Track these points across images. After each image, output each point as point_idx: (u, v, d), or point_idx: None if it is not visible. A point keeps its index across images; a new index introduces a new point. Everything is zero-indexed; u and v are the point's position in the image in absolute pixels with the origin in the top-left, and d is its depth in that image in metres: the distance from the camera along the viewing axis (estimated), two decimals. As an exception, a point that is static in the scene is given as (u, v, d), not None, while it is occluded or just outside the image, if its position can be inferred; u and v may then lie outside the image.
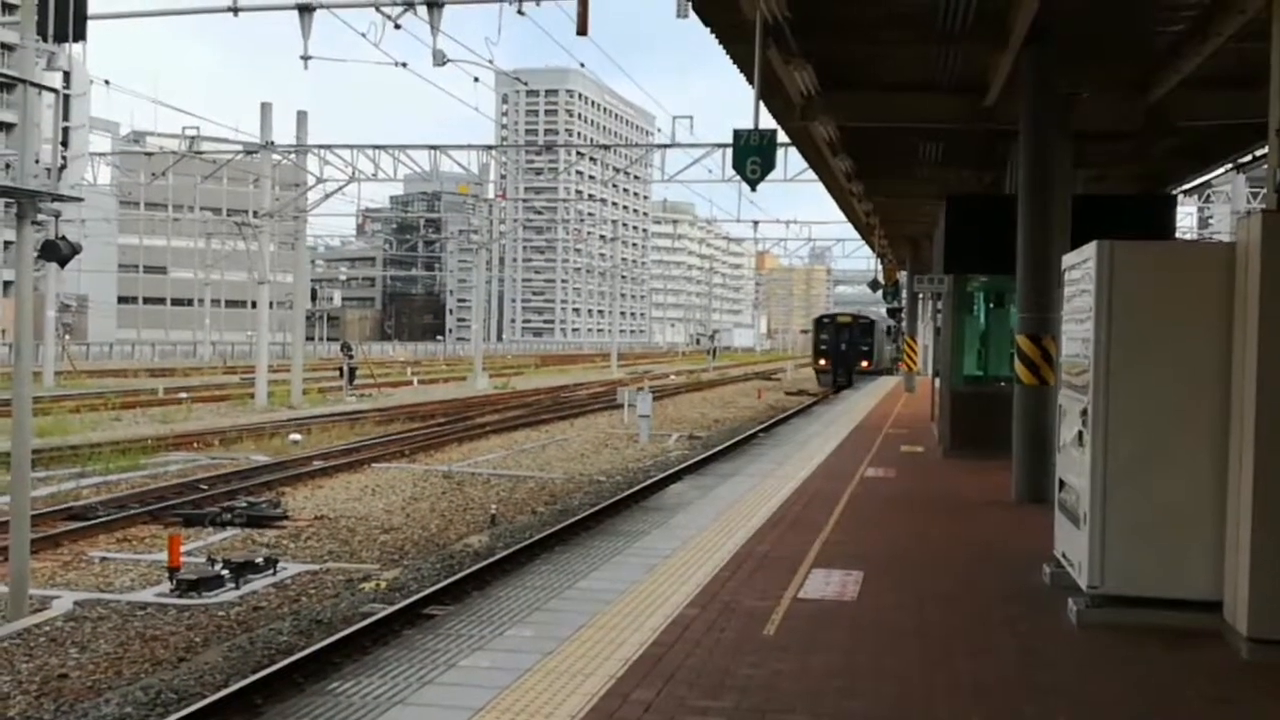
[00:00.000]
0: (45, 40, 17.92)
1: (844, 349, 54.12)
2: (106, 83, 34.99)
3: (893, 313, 52.24)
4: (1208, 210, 56.43)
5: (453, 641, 7.16)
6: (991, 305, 20.05)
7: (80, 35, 18.58)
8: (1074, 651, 7.34)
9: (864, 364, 54.27)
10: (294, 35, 28.76)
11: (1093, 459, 7.63)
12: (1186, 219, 52.90)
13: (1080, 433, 7.91)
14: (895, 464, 17.46)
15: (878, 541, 10.97)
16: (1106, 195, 20.78)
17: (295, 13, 25.78)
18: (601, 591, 8.53)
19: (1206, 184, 30.61)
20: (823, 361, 54.87)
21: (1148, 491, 7.56)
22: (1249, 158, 21.32)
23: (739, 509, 12.64)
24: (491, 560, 14.46)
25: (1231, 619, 7.25)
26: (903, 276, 46.66)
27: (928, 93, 16.47)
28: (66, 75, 15.70)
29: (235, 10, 25.21)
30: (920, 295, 40.88)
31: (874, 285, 54.39)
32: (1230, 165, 22.69)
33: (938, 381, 22.62)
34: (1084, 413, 7.80)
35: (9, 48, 62.86)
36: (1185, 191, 27.70)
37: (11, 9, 65.44)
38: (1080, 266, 8.23)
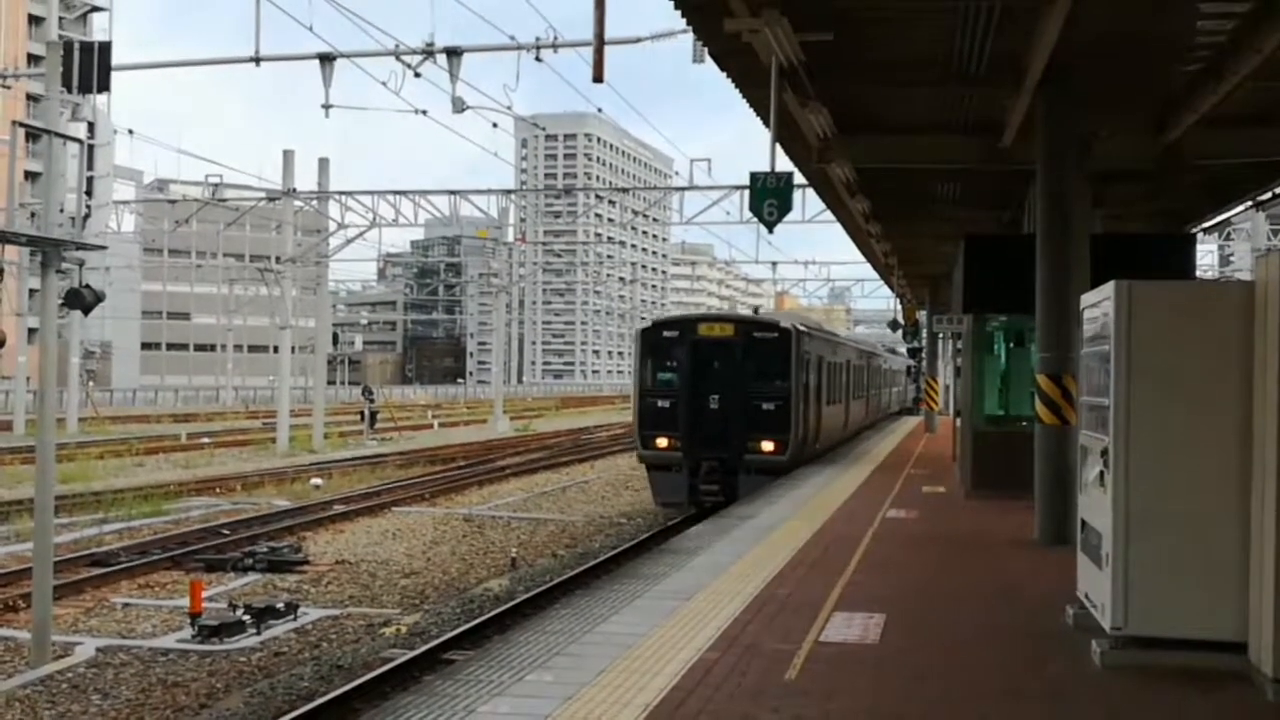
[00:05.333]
0: (70, 91, 18.24)
1: (715, 407, 22.45)
2: (130, 132, 35.60)
3: (913, 352, 50.64)
4: (1228, 248, 56.27)
5: (472, 687, 7.14)
6: (1011, 345, 20.01)
7: (104, 86, 18.89)
8: (1098, 694, 7.27)
9: (765, 444, 22.26)
10: (316, 84, 29.24)
11: (1114, 499, 7.58)
12: (1207, 257, 52.76)
13: (1101, 473, 7.88)
14: (917, 505, 17.37)
15: (900, 584, 10.91)
16: (1125, 235, 20.76)
17: (317, 62, 26.09)
18: (622, 636, 8.50)
19: (1227, 222, 30.53)
20: (663, 440, 22.60)
21: (1170, 532, 7.50)
22: (1269, 195, 21.28)
23: (760, 551, 12.60)
24: (512, 604, 14.44)
25: (1257, 660, 7.17)
26: (922, 316, 46.59)
27: (944, 134, 16.54)
28: (90, 125, 15.88)
29: (258, 60, 25.54)
30: (940, 335, 40.81)
31: (894, 325, 52.59)
32: (1250, 203, 22.64)
33: (959, 421, 22.54)
34: (1105, 453, 7.77)
35: (35, 99, 63.70)
36: (1205, 230, 27.63)
37: (37, 60, 66.30)
38: (1099, 306, 8.22)
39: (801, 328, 23.57)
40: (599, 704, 6.75)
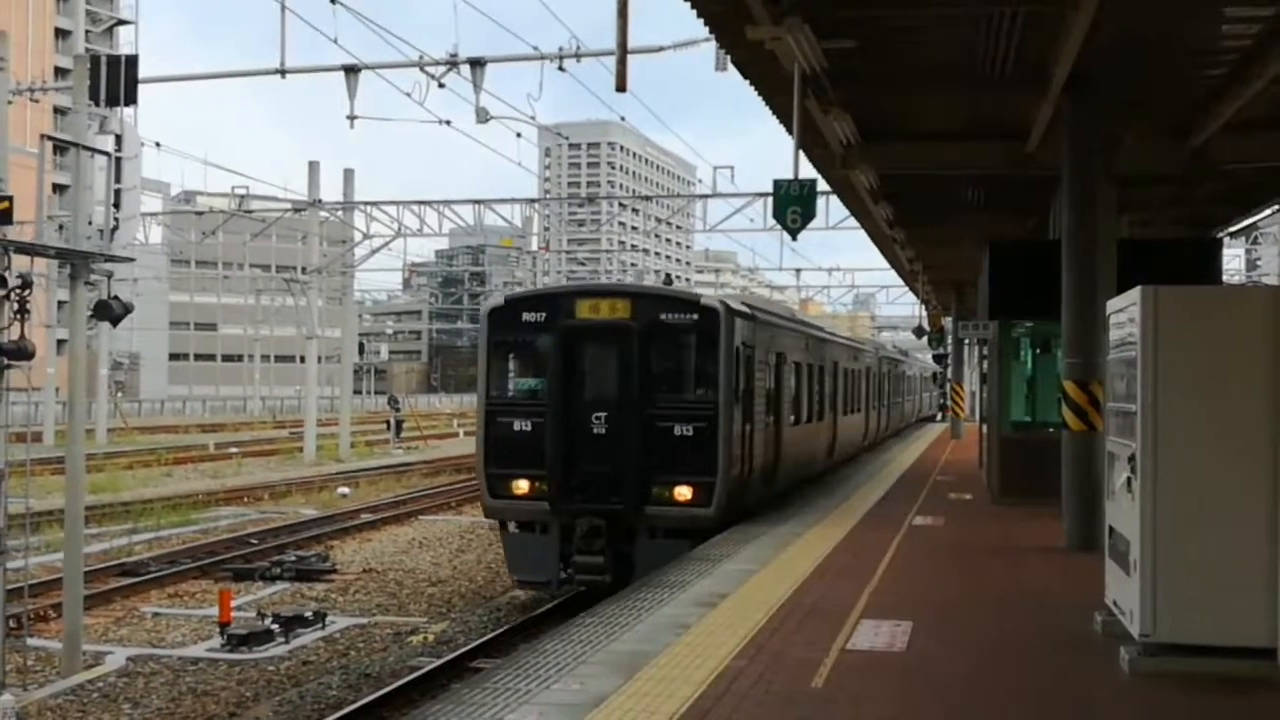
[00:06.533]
0: (98, 105, 18.42)
1: (600, 431, 14.85)
2: (157, 145, 35.91)
3: (939, 359, 50.37)
4: (1255, 253, 55.84)
5: (499, 696, 7.16)
6: (1037, 351, 19.93)
7: (131, 99, 19.07)
8: (1127, 701, 7.24)
9: (678, 489, 14.68)
10: (341, 95, 29.45)
11: (1142, 506, 7.55)
12: (1234, 262, 52.34)
13: (1129, 479, 7.85)
14: (943, 512, 17.31)
15: (927, 591, 10.88)
16: (1151, 240, 20.65)
17: (342, 74, 26.26)
18: (649, 644, 8.50)
19: (1253, 226, 30.33)
20: (521, 484, 15.07)
21: (1199, 538, 7.46)
22: (1296, 199, 21.13)
23: (785, 558, 12.58)
24: (538, 612, 14.46)
25: (1288, 667, 7.13)
26: (948, 322, 46.43)
27: (968, 140, 16.50)
28: (118, 138, 15.99)
29: (283, 72, 25.69)
30: (966, 341, 40.64)
31: (919, 332, 52.44)
32: (1277, 207, 22.49)
33: (985, 428, 22.45)
34: (1132, 459, 7.74)
35: (62, 112, 64.24)
36: (1231, 234, 27.47)
37: (64, 74, 66.85)
38: (1125, 311, 8.20)
39: (742, 308, 16.23)
40: (626, 712, 6.76)
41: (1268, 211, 23.47)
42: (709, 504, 14.54)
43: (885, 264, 40.57)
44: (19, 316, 11.62)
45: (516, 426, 15.12)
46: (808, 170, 18.35)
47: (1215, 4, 11.23)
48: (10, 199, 11.60)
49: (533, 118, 28.53)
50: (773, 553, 13.02)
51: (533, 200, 48.98)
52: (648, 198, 71.63)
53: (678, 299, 15.75)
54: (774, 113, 15.09)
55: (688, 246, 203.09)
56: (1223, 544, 7.43)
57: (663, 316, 14.98)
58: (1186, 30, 11.96)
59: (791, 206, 12.71)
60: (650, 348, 14.95)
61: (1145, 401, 7.55)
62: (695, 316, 15.00)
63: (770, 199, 13.29)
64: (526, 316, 15.40)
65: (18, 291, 11.64)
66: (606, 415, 14.69)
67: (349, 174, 41.28)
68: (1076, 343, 13.63)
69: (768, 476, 17.22)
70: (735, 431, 15.09)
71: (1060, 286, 13.92)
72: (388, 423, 46.49)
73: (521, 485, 14.96)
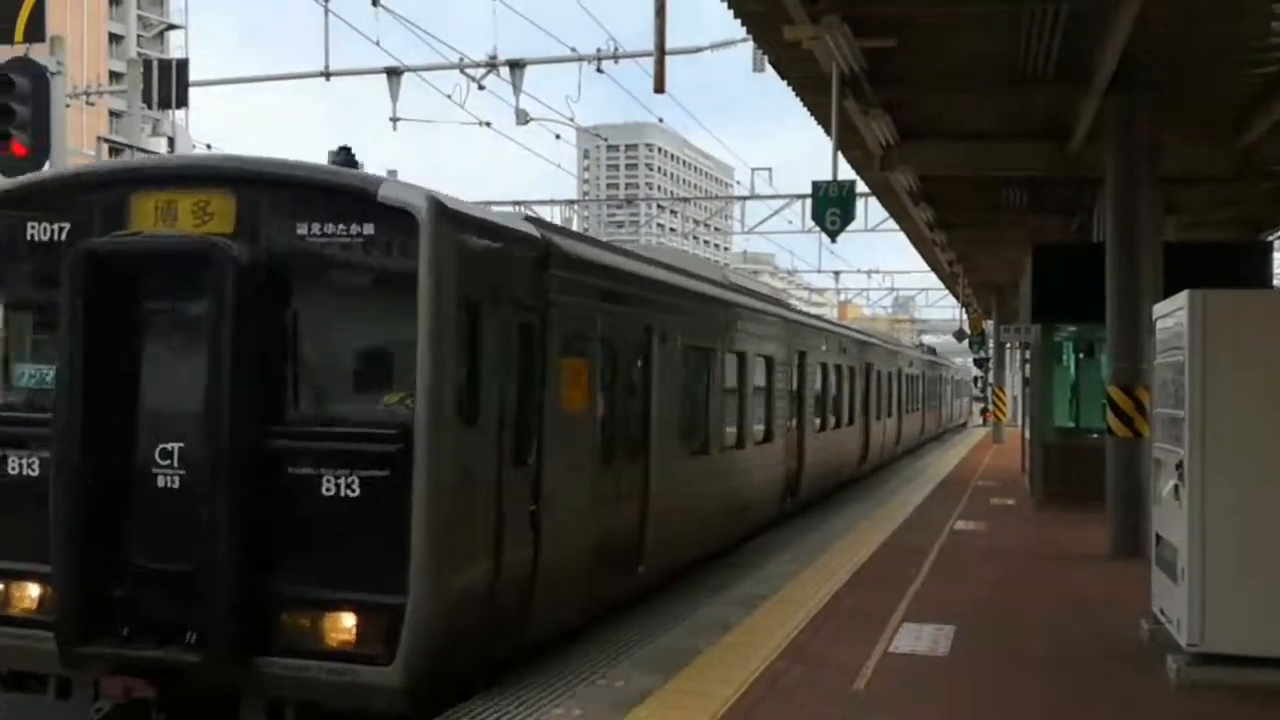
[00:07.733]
0: (150, 107, 18.65)
1: (170, 484, 6.87)
2: (208, 146, 36.08)
3: (979, 363, 49.86)
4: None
5: (542, 692, 7.18)
6: (1081, 355, 19.73)
7: (183, 102, 19.33)
8: (1173, 711, 7.14)
9: (330, 619, 6.72)
10: (384, 97, 29.68)
11: (1190, 513, 7.43)
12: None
13: (1176, 486, 7.73)
14: (985, 517, 17.17)
15: (969, 596, 10.78)
16: (1198, 242, 20.43)
17: (384, 76, 26.38)
18: (688, 644, 8.47)
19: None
20: (30, 589, 7.17)
21: (1248, 545, 7.34)
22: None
23: (826, 561, 12.50)
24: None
25: (1340, 677, 7.00)
26: (989, 325, 46.09)
27: (1010, 140, 16.36)
28: (170, 140, 16.19)
29: (327, 75, 25.83)
30: (1008, 345, 40.34)
31: (959, 335, 51.96)
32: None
33: (1028, 433, 22.27)
34: (1180, 466, 7.63)
35: (118, 115, 65.03)
36: (1281, 236, 27.07)
37: (118, 78, 67.75)
38: (1172, 315, 8.09)
39: (502, 223, 8.42)
40: (669, 709, 6.73)
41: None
42: (390, 655, 6.74)
43: (925, 266, 40.31)
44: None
45: (11, 466, 7.53)
46: (846, 172, 18.29)
47: (1265, 0, 11.07)
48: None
49: (571, 119, 28.54)
50: (813, 555, 12.91)
51: (572, 201, 49.02)
52: (686, 199, 71.64)
53: (329, 188, 7.31)
54: (812, 113, 15.03)
55: (726, 248, 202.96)
56: (1273, 552, 7.31)
57: (300, 230, 7.15)
58: (1235, 26, 11.80)
59: (830, 208, 12.65)
60: (276, 300, 7.16)
61: (1193, 407, 7.44)
62: (369, 229, 7.07)
63: (809, 200, 13.16)
64: (34, 230, 7.60)
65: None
66: (181, 449, 7.05)
67: (391, 175, 41.57)
68: (1122, 347, 13.46)
69: (613, 566, 9.74)
70: (473, 484, 7.38)
71: (1105, 290, 13.77)
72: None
73: (27, 593, 7.41)
